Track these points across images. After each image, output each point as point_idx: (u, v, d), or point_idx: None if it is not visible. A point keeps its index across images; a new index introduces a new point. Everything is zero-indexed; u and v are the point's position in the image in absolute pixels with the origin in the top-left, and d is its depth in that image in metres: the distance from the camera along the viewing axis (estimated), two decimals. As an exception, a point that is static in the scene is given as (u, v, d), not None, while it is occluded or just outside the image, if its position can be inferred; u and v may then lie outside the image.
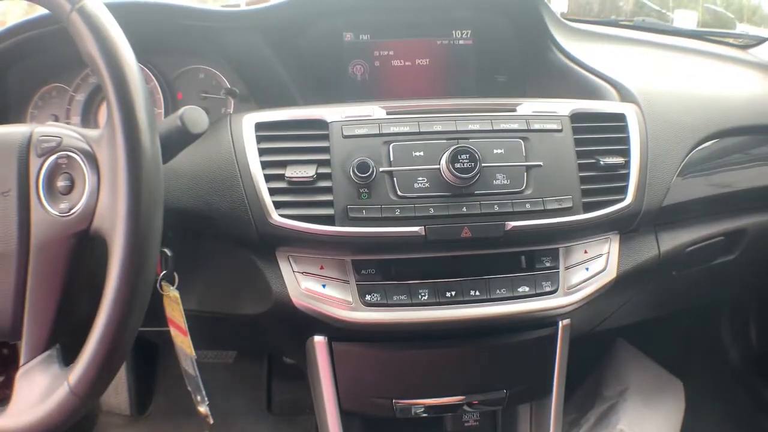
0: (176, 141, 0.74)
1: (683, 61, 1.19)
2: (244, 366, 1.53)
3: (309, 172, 0.81)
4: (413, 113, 0.85)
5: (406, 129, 0.83)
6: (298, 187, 0.81)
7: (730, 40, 1.39)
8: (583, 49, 1.07)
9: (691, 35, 1.35)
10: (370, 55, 1.09)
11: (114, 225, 0.64)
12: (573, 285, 0.88)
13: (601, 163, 0.86)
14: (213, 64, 1.08)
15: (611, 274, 0.91)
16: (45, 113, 1.10)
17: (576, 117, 0.88)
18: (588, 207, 0.85)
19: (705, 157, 0.99)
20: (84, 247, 0.70)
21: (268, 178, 0.81)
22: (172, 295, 0.85)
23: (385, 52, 1.09)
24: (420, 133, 0.83)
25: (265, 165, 0.82)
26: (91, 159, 0.70)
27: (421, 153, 0.81)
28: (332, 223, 0.80)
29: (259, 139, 0.83)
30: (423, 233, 0.80)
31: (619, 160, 0.87)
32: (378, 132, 0.82)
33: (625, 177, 0.88)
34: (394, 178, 0.81)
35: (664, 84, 1.04)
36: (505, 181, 0.82)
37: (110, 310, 0.63)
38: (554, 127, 0.86)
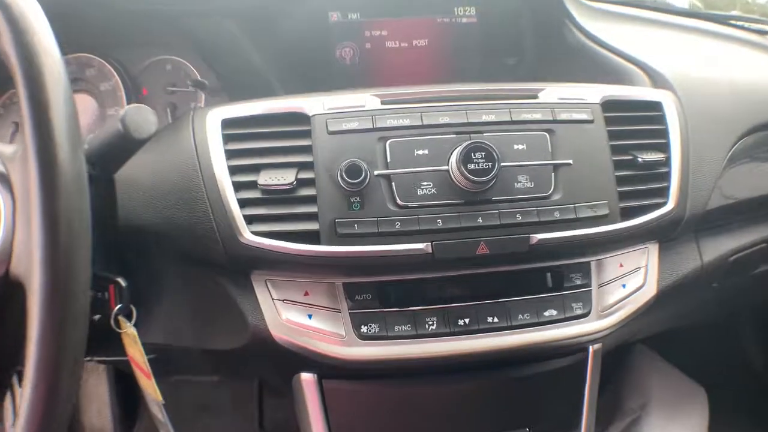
0: (119, 149, 0.58)
1: (714, 46, 0.99)
2: (233, 382, 1.35)
3: (287, 177, 0.62)
4: (414, 102, 0.66)
5: (406, 122, 0.64)
6: (275, 196, 0.62)
7: (749, 25, 1.21)
8: (604, 29, 0.88)
9: (710, 18, 1.16)
10: (360, 37, 0.90)
11: (29, 267, 0.47)
12: (608, 306, 0.70)
13: (639, 160, 0.68)
14: (181, 54, 0.89)
15: (651, 290, 0.73)
16: (7, 121, 0.93)
17: (608, 105, 0.70)
18: (626, 213, 0.67)
19: (746, 152, 0.82)
20: (7, 296, 0.53)
21: (238, 187, 0.63)
22: (129, 332, 0.67)
23: (377, 33, 0.90)
24: (423, 126, 0.64)
25: (233, 170, 0.63)
26: (5, 182, 0.52)
27: (426, 151, 0.63)
28: (317, 241, 0.61)
29: (227, 139, 0.65)
30: (429, 251, 0.61)
31: (659, 156, 0.70)
32: (371, 126, 0.63)
33: (666, 176, 0.70)
34: (393, 184, 0.62)
35: (699, 69, 0.85)
36: (529, 184, 0.64)
37: (34, 378, 0.46)
38: (584, 117, 0.67)
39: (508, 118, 0.65)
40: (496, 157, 0.60)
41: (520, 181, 0.63)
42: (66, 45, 0.92)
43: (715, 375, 1.27)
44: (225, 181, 0.63)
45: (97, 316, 0.65)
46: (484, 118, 0.64)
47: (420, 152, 0.63)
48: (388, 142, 0.63)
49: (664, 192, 0.70)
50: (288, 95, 0.70)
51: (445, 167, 0.62)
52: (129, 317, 0.67)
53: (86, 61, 0.91)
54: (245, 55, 0.83)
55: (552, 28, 0.88)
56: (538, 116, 0.66)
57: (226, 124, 0.66)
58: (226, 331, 0.69)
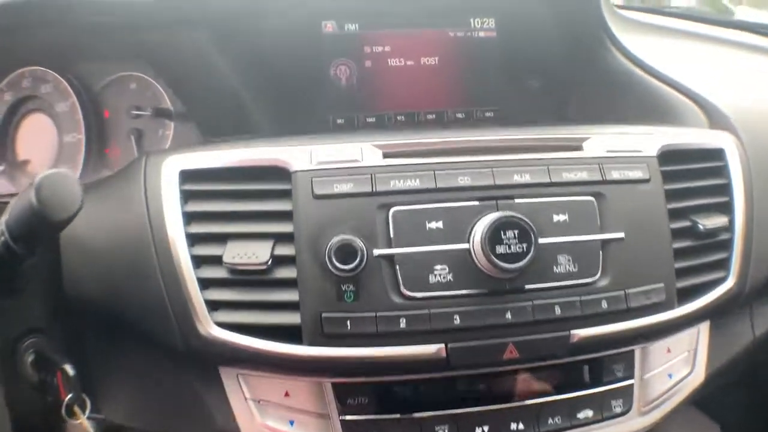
0: (37, 229, 0.42)
1: (764, 65, 0.81)
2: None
3: (260, 254, 0.45)
4: (425, 155, 0.48)
5: (416, 183, 0.46)
6: (245, 278, 0.46)
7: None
8: (646, 48, 0.69)
9: (743, 27, 0.97)
10: (358, 53, 0.70)
11: None
12: (651, 400, 0.55)
13: (700, 227, 0.52)
14: (146, 70, 0.70)
15: (699, 377, 0.58)
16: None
17: (665, 157, 0.53)
18: (682, 295, 0.52)
19: None
20: None
21: (199, 262, 0.46)
22: (84, 425, 0.52)
23: (378, 48, 0.71)
24: (437, 190, 0.46)
25: (193, 240, 0.47)
26: None
27: (440, 224, 0.46)
28: (298, 340, 0.45)
29: (186, 197, 0.48)
30: (443, 355, 0.45)
31: (722, 221, 0.54)
32: (370, 189, 0.46)
33: (728, 245, 0.55)
34: (397, 267, 0.45)
35: (757, 100, 0.67)
36: (571, 267, 0.47)
37: None
38: (639, 175, 0.50)
39: (546, 179, 0.47)
40: (532, 236, 0.43)
41: (561, 263, 0.46)
42: (19, 57, 0.74)
43: (730, 412, 1.13)
44: (182, 254, 0.46)
45: (50, 398, 0.53)
46: (516, 178, 0.47)
47: (433, 225, 0.46)
48: (391, 211, 0.46)
49: (725, 264, 0.54)
50: (265, 139, 0.52)
51: (466, 246, 0.45)
52: (82, 407, 0.53)
53: (41, 75, 0.72)
54: (218, 75, 0.63)
55: (587, 47, 0.69)
56: (583, 176, 0.48)
57: (186, 176, 0.48)
58: (193, 427, 0.54)
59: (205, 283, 0.46)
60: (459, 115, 0.72)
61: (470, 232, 0.45)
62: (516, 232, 0.43)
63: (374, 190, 0.46)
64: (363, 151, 0.47)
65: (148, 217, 0.48)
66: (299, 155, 0.47)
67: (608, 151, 0.50)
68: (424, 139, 0.50)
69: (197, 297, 0.46)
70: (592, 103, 0.69)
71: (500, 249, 0.43)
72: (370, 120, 0.71)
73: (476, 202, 0.46)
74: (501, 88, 0.72)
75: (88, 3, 0.59)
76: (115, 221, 0.50)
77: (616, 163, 0.50)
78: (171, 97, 0.69)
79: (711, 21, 0.90)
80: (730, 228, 0.54)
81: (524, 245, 0.43)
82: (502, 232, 0.43)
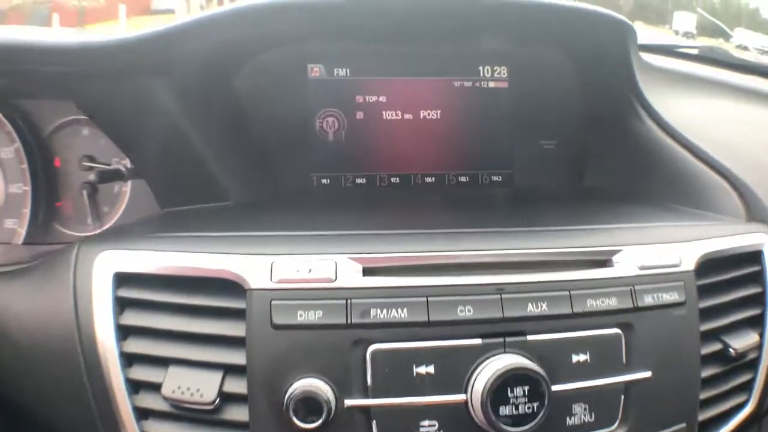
0: None
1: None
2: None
3: (206, 390, 0.35)
4: (416, 272, 0.38)
5: (403, 315, 0.36)
6: (188, 415, 0.36)
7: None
8: (671, 106, 0.59)
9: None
10: (349, 102, 0.60)
11: None
12: None
13: (730, 350, 0.43)
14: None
15: None
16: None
17: (703, 267, 0.43)
18: (703, 428, 0.43)
19: None
20: None
21: (136, 387, 0.37)
22: None
23: (372, 98, 0.60)
24: (431, 324, 0.36)
25: (129, 360, 0.37)
26: None
27: (432, 369, 0.35)
28: None
29: (122, 305, 0.38)
30: None
31: (753, 339, 0.45)
32: (344, 321, 0.35)
33: (755, 365, 0.46)
34: (374, 423, 0.35)
35: None
36: (587, 417, 0.37)
37: None
38: (675, 298, 0.40)
39: (566, 310, 0.37)
40: (546, 393, 0.33)
41: (576, 413, 0.37)
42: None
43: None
44: (115, 378, 0.37)
45: None
46: (531, 309, 0.37)
47: (422, 370, 0.35)
48: (370, 349, 0.36)
49: (748, 387, 0.46)
50: (220, 239, 0.40)
51: (462, 397, 0.35)
52: None
53: None
54: (177, 130, 0.51)
55: (613, 107, 0.58)
56: (612, 303, 0.38)
57: (122, 280, 0.38)
58: None
59: (142, 414, 0.37)
60: (462, 179, 0.61)
61: (469, 380, 0.35)
62: (526, 388, 0.33)
63: (349, 321, 0.35)
64: (338, 266, 0.37)
65: (78, 327, 0.38)
66: (257, 267, 0.37)
67: (641, 268, 0.40)
68: (415, 251, 0.38)
69: (133, 429, 0.36)
70: (614, 172, 0.59)
71: (506, 410, 0.33)
72: (360, 181, 0.60)
73: (478, 340, 0.36)
74: (511, 148, 0.61)
75: (29, 49, 0.48)
76: (42, 323, 0.40)
77: (650, 283, 0.39)
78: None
79: (736, 66, 0.78)
80: (758, 346, 0.45)
81: (535, 405, 0.33)
82: (509, 389, 0.33)
